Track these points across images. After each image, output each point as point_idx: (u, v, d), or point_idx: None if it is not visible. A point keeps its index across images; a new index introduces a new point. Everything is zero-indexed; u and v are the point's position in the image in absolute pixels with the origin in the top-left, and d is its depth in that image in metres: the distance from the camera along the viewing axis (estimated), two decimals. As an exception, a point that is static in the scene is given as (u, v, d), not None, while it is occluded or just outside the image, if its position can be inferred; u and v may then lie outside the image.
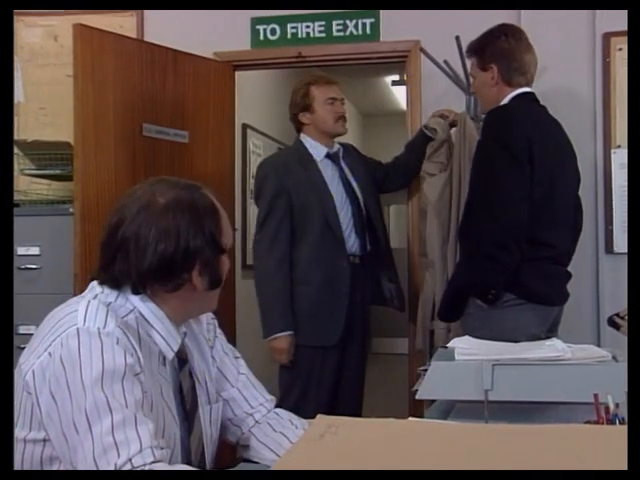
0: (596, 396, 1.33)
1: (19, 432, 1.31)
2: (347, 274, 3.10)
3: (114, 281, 1.39)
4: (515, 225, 2.43)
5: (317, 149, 3.21)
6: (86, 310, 1.31)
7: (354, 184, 3.24)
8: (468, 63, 2.80)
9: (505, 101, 2.61)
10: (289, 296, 3.05)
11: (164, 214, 1.37)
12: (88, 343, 1.26)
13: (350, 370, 3.21)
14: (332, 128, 3.22)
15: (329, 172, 3.20)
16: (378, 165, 3.49)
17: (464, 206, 2.76)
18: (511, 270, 2.46)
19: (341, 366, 3.16)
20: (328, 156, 3.22)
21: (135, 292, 1.39)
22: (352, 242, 3.16)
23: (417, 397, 1.56)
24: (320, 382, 3.07)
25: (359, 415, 3.22)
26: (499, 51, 2.62)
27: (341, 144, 3.39)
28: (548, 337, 2.40)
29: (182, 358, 1.47)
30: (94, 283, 1.42)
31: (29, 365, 1.29)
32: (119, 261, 1.38)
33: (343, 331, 3.09)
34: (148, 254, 1.35)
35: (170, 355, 1.42)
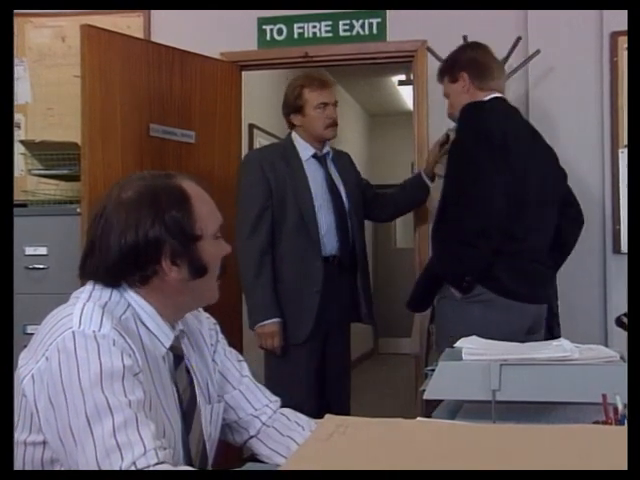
0: (604, 396, 1.32)
1: (19, 435, 1.31)
2: (320, 274, 3.07)
3: (91, 277, 1.40)
4: (492, 212, 2.44)
5: (305, 149, 3.17)
6: (81, 313, 1.31)
7: (340, 186, 3.20)
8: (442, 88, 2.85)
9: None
10: (273, 284, 3.04)
11: (125, 208, 1.38)
12: (84, 346, 1.26)
13: (332, 369, 3.21)
14: (321, 134, 3.17)
15: (313, 171, 3.16)
16: (368, 186, 3.47)
17: (439, 202, 2.69)
18: (488, 258, 2.47)
19: (323, 365, 3.16)
20: (315, 156, 3.18)
21: (111, 286, 1.39)
22: (331, 243, 3.13)
23: (424, 397, 1.56)
24: (298, 379, 3.04)
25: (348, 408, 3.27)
26: (466, 59, 2.73)
27: (338, 151, 3.37)
28: (526, 340, 2.39)
29: (178, 355, 1.46)
30: (88, 283, 1.42)
31: (28, 370, 1.29)
32: (89, 259, 1.41)
33: (313, 330, 3.06)
34: (112, 250, 1.37)
35: (162, 352, 1.41)
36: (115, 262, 1.37)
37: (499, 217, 2.45)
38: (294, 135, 3.21)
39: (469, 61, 2.72)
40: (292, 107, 3.17)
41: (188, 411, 1.45)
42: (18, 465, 1.32)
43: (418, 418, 1.37)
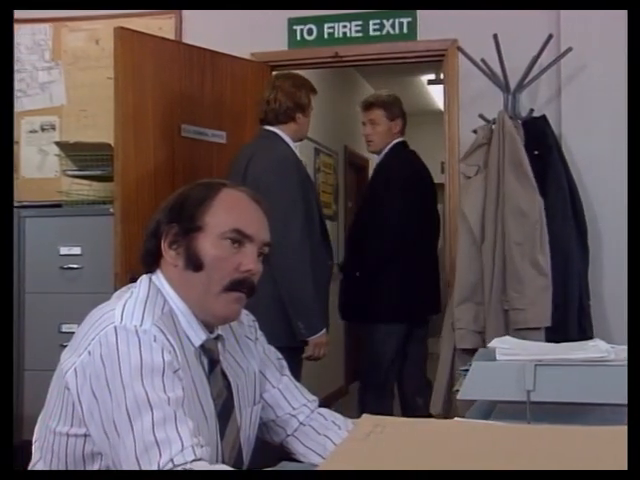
0: (641, 398, 1.31)
1: (61, 427, 1.33)
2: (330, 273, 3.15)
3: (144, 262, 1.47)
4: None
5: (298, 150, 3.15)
6: (123, 308, 1.33)
7: None
8: (374, 113, 3.70)
9: (391, 144, 3.69)
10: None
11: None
12: (126, 340, 1.28)
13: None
14: (306, 136, 3.26)
15: None
16: None
17: None
18: None
19: None
20: None
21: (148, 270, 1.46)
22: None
23: (458, 397, 1.55)
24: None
25: None
26: (403, 111, 3.75)
27: None
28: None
29: (214, 359, 1.46)
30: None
31: (70, 363, 1.31)
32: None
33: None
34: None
35: (190, 350, 1.41)
36: (143, 244, 1.47)
37: None
38: (282, 135, 3.06)
39: (405, 114, 3.75)
40: (302, 106, 3.10)
41: (222, 415, 1.45)
42: (61, 456, 1.35)
43: (455, 418, 1.37)
